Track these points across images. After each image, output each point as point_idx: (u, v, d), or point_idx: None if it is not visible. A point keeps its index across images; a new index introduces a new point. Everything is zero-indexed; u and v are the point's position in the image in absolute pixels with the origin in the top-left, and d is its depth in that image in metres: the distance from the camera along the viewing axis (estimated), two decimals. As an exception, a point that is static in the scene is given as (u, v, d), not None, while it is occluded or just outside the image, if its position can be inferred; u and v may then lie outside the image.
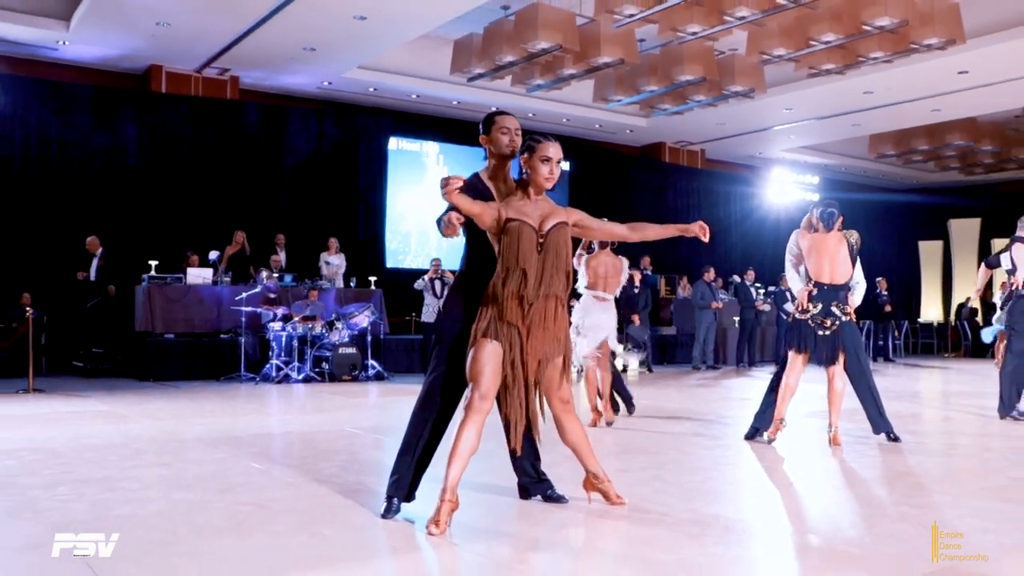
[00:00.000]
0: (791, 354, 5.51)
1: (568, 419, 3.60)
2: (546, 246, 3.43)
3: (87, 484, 4.20)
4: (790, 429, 6.22)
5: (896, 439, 5.59)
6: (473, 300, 3.48)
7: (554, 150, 3.48)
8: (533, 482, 3.82)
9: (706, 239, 3.68)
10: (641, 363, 13.03)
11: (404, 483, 3.51)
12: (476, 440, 3.37)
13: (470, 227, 3.53)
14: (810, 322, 5.41)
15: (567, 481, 3.90)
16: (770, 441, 5.53)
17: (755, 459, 5.14)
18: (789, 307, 13.23)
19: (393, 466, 3.55)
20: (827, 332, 5.39)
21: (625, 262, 6.77)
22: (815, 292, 5.43)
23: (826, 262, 5.44)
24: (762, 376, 9.52)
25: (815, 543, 3.30)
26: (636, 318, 11.15)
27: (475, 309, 3.45)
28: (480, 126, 3.67)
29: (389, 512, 3.47)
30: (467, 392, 3.42)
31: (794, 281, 5.68)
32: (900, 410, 7.33)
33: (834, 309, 5.39)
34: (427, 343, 11.66)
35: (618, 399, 7.05)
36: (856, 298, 5.56)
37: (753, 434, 5.74)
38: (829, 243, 5.46)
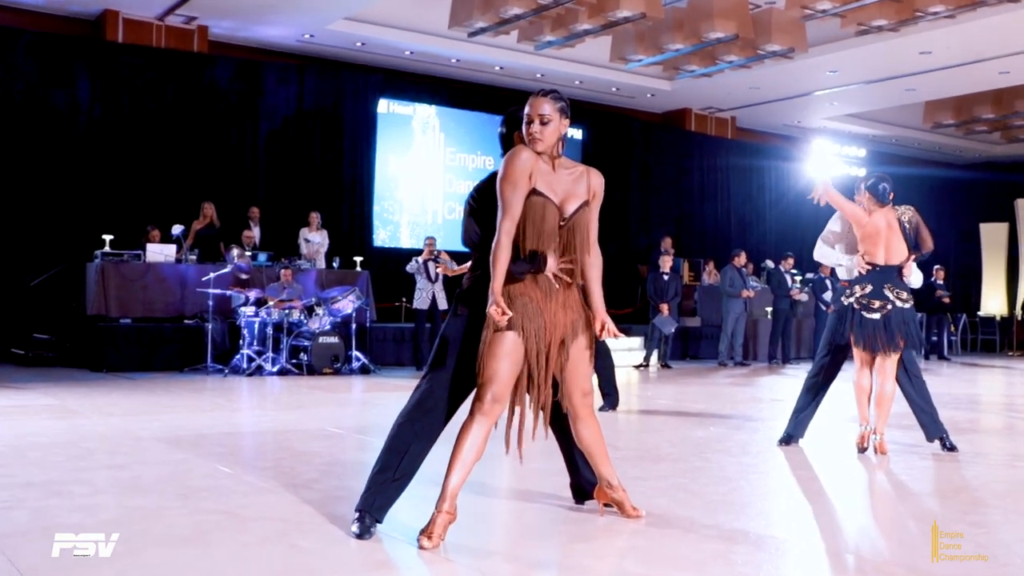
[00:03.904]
0: (854, 350, 5.51)
1: (586, 415, 3.60)
2: (569, 229, 3.42)
3: (29, 488, 4.20)
4: (828, 435, 6.22)
5: (952, 448, 5.58)
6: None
7: (533, 106, 3.42)
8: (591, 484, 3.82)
9: (601, 337, 3.52)
10: (659, 357, 13.05)
11: (380, 501, 3.42)
12: (483, 446, 3.38)
13: (492, 212, 3.45)
14: (855, 304, 5.38)
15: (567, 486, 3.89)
16: (862, 450, 5.53)
17: (788, 468, 5.15)
18: (828, 297, 13.21)
19: (368, 480, 3.47)
20: (875, 315, 5.35)
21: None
22: (865, 273, 5.41)
23: (881, 244, 5.42)
24: (797, 374, 9.48)
25: (855, 563, 3.29)
26: (665, 308, 11.19)
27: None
28: None
29: (364, 530, 3.37)
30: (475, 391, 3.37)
31: (826, 254, 5.77)
32: (956, 416, 7.32)
33: (887, 292, 5.36)
34: (419, 332, 11.66)
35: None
36: (914, 281, 5.55)
37: (787, 440, 5.75)
38: (885, 221, 5.43)
